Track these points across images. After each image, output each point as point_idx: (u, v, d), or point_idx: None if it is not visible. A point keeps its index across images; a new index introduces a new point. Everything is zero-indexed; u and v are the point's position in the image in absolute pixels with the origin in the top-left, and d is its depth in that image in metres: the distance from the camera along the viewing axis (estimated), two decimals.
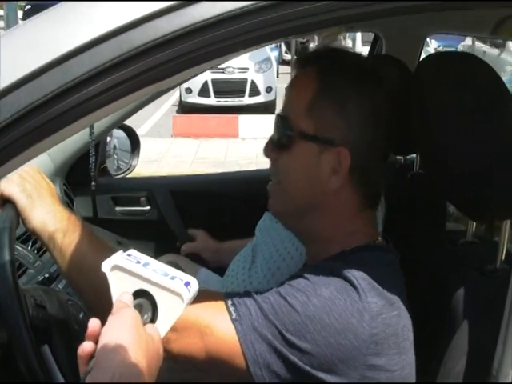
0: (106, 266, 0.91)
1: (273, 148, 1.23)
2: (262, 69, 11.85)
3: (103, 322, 0.85)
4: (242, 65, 11.41)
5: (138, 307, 0.89)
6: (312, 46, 16.50)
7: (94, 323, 0.85)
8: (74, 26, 0.82)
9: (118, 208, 2.66)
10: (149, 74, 0.82)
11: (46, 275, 1.66)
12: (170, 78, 0.85)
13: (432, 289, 1.30)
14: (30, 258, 1.70)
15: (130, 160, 2.87)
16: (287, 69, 14.84)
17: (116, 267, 0.91)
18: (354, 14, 0.85)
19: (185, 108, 11.75)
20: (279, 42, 16.39)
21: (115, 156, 2.99)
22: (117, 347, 0.80)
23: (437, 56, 1.35)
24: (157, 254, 2.25)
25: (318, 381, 1.05)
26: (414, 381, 1.14)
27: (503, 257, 1.21)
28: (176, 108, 12.14)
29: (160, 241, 2.58)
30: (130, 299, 0.89)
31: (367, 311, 1.05)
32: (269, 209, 1.29)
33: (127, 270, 0.91)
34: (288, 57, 17.34)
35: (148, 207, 2.67)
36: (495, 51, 12.20)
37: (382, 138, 1.21)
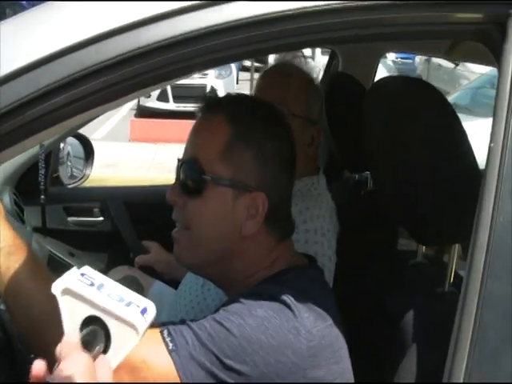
0: (57, 287, 0.83)
1: (180, 193, 1.19)
2: (222, 75, 11.87)
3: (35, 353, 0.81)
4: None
5: (91, 336, 0.82)
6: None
7: (38, 366, 0.79)
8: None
9: (70, 218, 2.61)
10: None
11: None
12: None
13: (379, 310, 1.30)
14: None
15: (83, 168, 2.84)
16: (247, 75, 14.87)
17: (67, 291, 0.83)
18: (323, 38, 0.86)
19: (143, 112, 11.66)
20: None
21: (69, 163, 2.95)
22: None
23: (389, 81, 1.36)
24: (110, 266, 2.22)
25: None
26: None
27: (451, 280, 1.23)
28: (134, 112, 12.04)
29: (113, 252, 2.54)
30: (78, 336, 0.82)
31: (303, 326, 1.05)
32: (176, 257, 1.25)
33: (79, 295, 0.83)
34: (248, 63, 17.39)
35: (101, 218, 2.63)
36: (451, 65, 12.43)
37: (291, 178, 1.23)
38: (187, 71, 0.91)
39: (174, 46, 0.85)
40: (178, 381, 1.04)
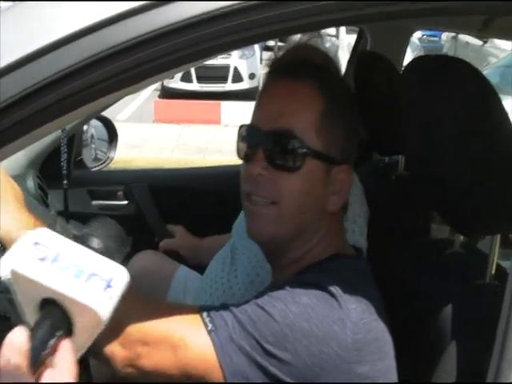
0: (4, 271, 0.71)
1: (266, 166, 1.12)
2: (245, 55, 11.74)
3: None
4: None
5: (47, 320, 0.71)
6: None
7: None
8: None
9: (94, 202, 2.59)
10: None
11: None
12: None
13: (416, 302, 1.25)
14: None
15: (107, 151, 2.80)
16: (270, 55, 14.72)
17: (15, 274, 0.71)
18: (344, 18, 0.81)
19: (167, 93, 11.62)
20: None
21: (92, 146, 2.92)
22: None
23: (427, 59, 1.29)
24: (134, 250, 2.19)
25: None
26: None
27: (493, 271, 1.16)
28: (158, 93, 12.01)
29: (137, 236, 2.51)
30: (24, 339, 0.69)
31: (348, 317, 1.01)
32: (255, 233, 1.18)
33: (27, 278, 0.71)
34: (271, 43, 17.23)
35: (125, 201, 2.61)
36: (478, 42, 12.17)
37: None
38: (207, 54, 0.85)
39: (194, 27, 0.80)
40: (216, 362, 1.00)
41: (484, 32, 2.09)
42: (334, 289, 1.02)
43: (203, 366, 1.02)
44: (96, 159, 2.86)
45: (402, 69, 2.13)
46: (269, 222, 1.14)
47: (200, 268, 2.14)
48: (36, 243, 0.73)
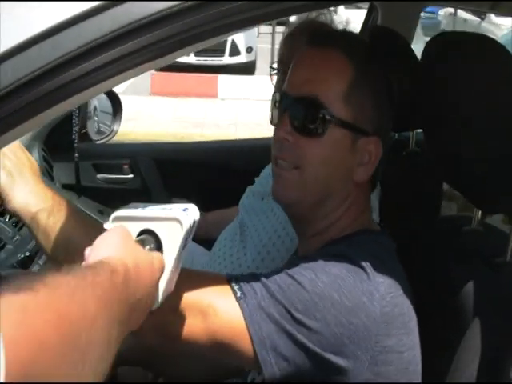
0: (108, 222, 0.92)
1: (291, 131, 1.13)
2: None
3: None
4: None
5: (140, 242, 0.90)
6: None
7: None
8: None
9: (99, 175, 2.57)
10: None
11: (27, 253, 1.58)
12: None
13: (434, 280, 1.25)
14: (8, 233, 1.62)
15: (111, 124, 2.78)
16: (267, 29, 14.60)
17: (116, 218, 0.93)
18: None
19: (163, 66, 11.52)
20: None
21: (95, 118, 2.89)
22: (103, 246, 0.82)
23: (451, 35, 1.28)
24: None
25: (327, 363, 1.00)
26: (420, 361, 1.10)
27: None
28: None
29: None
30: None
31: (377, 290, 1.01)
32: (277, 195, 1.19)
33: (126, 216, 0.93)
34: None
35: (131, 175, 2.59)
36: (476, 19, 12.12)
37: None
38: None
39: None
40: (245, 330, 1.00)
41: (494, 9, 2.07)
42: (363, 261, 1.02)
43: (232, 333, 1.01)
44: (99, 132, 2.84)
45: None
46: (291, 186, 1.15)
47: (206, 243, 2.14)
48: (128, 207, 0.96)
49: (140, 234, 0.92)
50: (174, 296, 1.00)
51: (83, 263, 0.79)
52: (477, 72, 1.12)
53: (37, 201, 1.13)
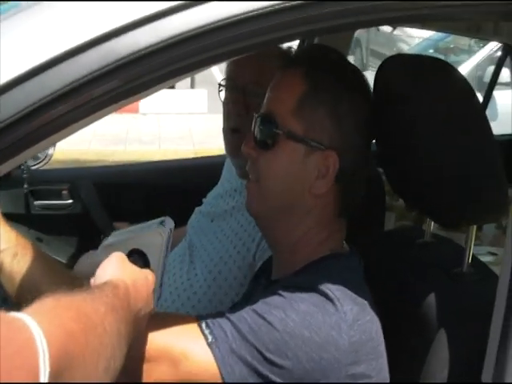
0: (100, 252, 1.06)
1: (254, 146, 1.19)
2: None
3: None
4: None
5: (132, 262, 1.01)
6: None
7: None
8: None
9: (36, 202, 2.49)
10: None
11: None
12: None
13: (397, 295, 1.29)
14: None
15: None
16: None
17: (104, 248, 1.06)
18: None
19: None
20: None
21: None
22: (104, 273, 0.94)
23: (406, 58, 1.33)
24: (81, 250, 2.14)
25: None
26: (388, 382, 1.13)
27: (470, 260, 1.22)
28: None
29: (84, 236, 2.45)
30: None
31: (344, 321, 1.03)
32: (246, 207, 1.27)
33: (112, 243, 1.07)
34: None
35: (70, 200, 2.53)
36: (388, 28, 12.47)
37: (368, 144, 1.21)
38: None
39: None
40: (218, 374, 1.01)
41: (425, 24, 2.17)
42: (331, 292, 1.05)
43: (204, 378, 1.03)
44: (35, 157, 2.75)
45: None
46: (254, 198, 1.23)
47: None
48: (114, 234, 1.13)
49: (128, 254, 1.04)
50: (146, 345, 1.02)
51: None
52: (428, 90, 1.17)
53: (3, 243, 1.10)
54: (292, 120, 1.15)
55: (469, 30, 2.11)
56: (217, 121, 1.80)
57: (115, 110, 0.91)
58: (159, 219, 1.11)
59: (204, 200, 1.98)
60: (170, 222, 1.11)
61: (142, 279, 0.97)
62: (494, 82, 2.54)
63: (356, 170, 1.17)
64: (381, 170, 1.99)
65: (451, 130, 1.14)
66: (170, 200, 2.39)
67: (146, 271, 1.00)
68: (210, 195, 1.96)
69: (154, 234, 1.07)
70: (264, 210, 1.21)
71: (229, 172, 1.90)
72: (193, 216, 1.97)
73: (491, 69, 3.15)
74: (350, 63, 1.25)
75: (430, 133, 1.16)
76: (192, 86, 11.05)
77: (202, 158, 3.00)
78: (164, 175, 2.62)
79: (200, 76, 11.37)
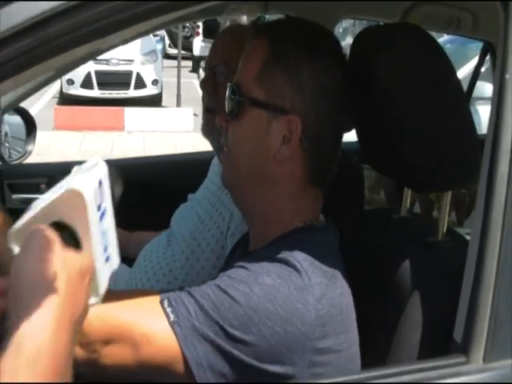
0: (9, 240, 0.78)
1: (225, 117, 1.20)
2: (148, 61, 11.65)
3: None
4: (127, 56, 11.14)
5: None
6: (195, 40, 16.48)
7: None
8: None
9: (14, 196, 2.47)
10: None
11: None
12: None
13: (372, 265, 1.28)
14: None
15: (24, 146, 2.68)
16: (171, 63, 14.66)
17: (16, 233, 0.78)
18: None
19: (66, 100, 11.32)
20: (163, 35, 16.19)
21: (6, 144, 2.79)
22: (29, 264, 0.75)
23: (378, 29, 1.34)
24: None
25: (265, 373, 1.00)
26: (359, 358, 1.12)
27: (445, 229, 1.22)
28: (57, 100, 11.68)
29: None
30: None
31: (311, 294, 1.02)
32: (221, 179, 1.28)
33: (24, 224, 0.78)
34: (171, 51, 17.16)
35: None
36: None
37: (337, 111, 1.18)
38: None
39: None
40: (180, 353, 0.99)
41: (405, 21, 2.19)
42: (299, 264, 1.03)
43: (167, 358, 1.01)
44: (10, 158, 2.74)
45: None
46: (225, 169, 1.25)
47: (127, 261, 2.10)
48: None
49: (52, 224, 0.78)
50: (106, 328, 1.00)
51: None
52: (399, 54, 1.17)
53: None
54: (254, 87, 1.15)
55: (449, 26, 2.14)
56: (202, 139, 1.83)
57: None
58: (84, 166, 0.86)
59: (190, 196, 1.97)
60: (98, 169, 0.85)
61: (76, 276, 0.78)
62: (475, 77, 2.57)
63: (322, 134, 1.15)
64: (364, 166, 2.01)
65: (424, 92, 1.15)
66: (153, 196, 2.37)
67: (78, 260, 0.78)
68: (202, 191, 1.96)
69: (68, 195, 0.78)
70: (234, 179, 1.21)
71: (217, 166, 1.90)
72: (177, 211, 1.97)
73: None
74: (319, 30, 1.22)
75: (402, 96, 1.16)
76: (178, 104, 11.11)
77: (188, 153, 2.98)
78: (148, 171, 2.60)
79: (186, 94, 11.51)
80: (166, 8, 0.87)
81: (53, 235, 0.77)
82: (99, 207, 0.81)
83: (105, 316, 1.00)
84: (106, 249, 0.83)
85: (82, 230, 0.79)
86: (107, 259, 0.84)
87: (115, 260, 0.87)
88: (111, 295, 1.04)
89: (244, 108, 1.15)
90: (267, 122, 1.14)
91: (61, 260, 0.76)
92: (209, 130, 1.75)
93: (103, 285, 0.82)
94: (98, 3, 0.82)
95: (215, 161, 1.93)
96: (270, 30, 1.20)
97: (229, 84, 1.20)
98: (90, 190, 0.79)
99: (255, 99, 1.14)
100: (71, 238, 0.79)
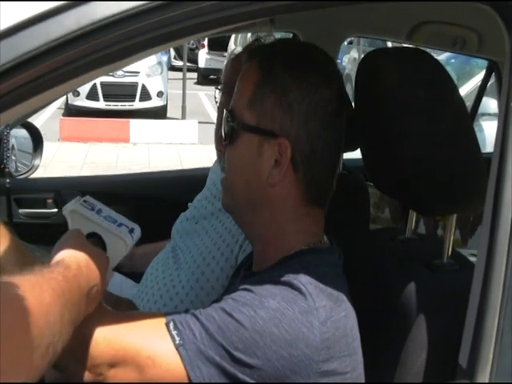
0: (66, 209, 1.11)
1: (222, 142, 1.22)
2: (154, 73, 11.69)
3: None
4: (133, 68, 11.17)
5: (91, 240, 1.04)
6: (201, 52, 16.57)
7: None
8: None
9: (21, 210, 2.49)
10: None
11: None
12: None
13: (377, 286, 1.28)
14: None
15: (31, 160, 2.71)
16: (176, 74, 14.73)
17: (74, 212, 1.11)
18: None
19: (71, 111, 11.37)
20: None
21: (13, 157, 2.81)
22: (59, 250, 0.98)
23: (385, 50, 1.35)
24: None
25: None
26: (363, 380, 1.12)
27: (450, 252, 1.22)
28: (62, 111, 11.73)
29: None
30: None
31: (316, 317, 1.01)
32: (221, 203, 1.28)
33: (83, 215, 1.10)
34: (177, 63, 17.25)
35: (55, 209, 2.52)
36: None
37: (330, 130, 1.17)
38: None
39: None
40: (185, 376, 1.00)
41: (411, 39, 2.21)
42: (304, 286, 1.03)
43: (172, 381, 1.01)
44: (17, 171, 2.76)
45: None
46: (224, 194, 1.26)
47: (133, 276, 2.11)
48: (85, 201, 1.15)
49: (89, 234, 1.08)
50: (112, 350, 1.01)
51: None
52: (412, 81, 1.19)
53: None
54: (246, 112, 1.15)
55: (454, 45, 2.15)
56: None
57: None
58: (131, 224, 1.14)
59: (190, 204, 1.99)
60: (137, 233, 1.15)
61: (97, 258, 1.00)
62: (480, 97, 2.58)
63: (315, 154, 1.14)
64: (369, 183, 2.02)
65: (428, 114, 1.16)
66: (156, 211, 2.39)
67: (103, 252, 1.04)
68: (196, 199, 1.97)
69: (121, 240, 1.10)
70: (232, 204, 1.22)
71: (215, 174, 1.91)
72: (177, 221, 1.97)
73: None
74: (310, 50, 1.21)
75: (405, 118, 1.17)
76: (183, 116, 11.15)
77: (190, 169, 3.00)
78: (152, 186, 2.62)
79: (191, 107, 11.56)
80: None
81: (85, 239, 1.04)
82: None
83: (111, 338, 1.01)
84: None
85: (111, 257, 1.08)
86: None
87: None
88: (117, 317, 1.06)
89: (237, 133, 1.16)
90: (258, 146, 1.14)
91: (86, 247, 1.00)
92: None
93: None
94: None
95: (214, 168, 1.94)
96: (261, 53, 1.20)
97: (225, 110, 1.21)
98: (131, 245, 1.14)
99: (246, 124, 1.15)
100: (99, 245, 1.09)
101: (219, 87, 1.85)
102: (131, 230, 1.13)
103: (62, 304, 0.86)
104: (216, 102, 1.86)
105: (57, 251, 0.98)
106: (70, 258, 0.96)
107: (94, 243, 1.06)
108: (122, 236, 1.10)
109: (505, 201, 0.99)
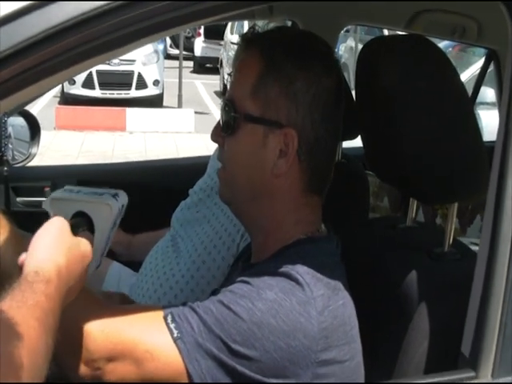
0: (46, 203, 1.09)
1: (220, 133, 1.19)
2: (150, 61, 11.64)
3: None
4: (129, 57, 11.11)
5: (74, 224, 1.01)
6: (197, 40, 16.48)
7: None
8: None
9: (19, 199, 2.48)
10: None
11: None
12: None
13: (377, 275, 1.28)
14: None
15: (28, 148, 2.69)
16: (172, 63, 14.67)
17: (53, 200, 1.09)
18: None
19: (67, 100, 11.32)
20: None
21: (10, 146, 2.79)
22: (39, 247, 0.93)
23: (385, 40, 1.34)
24: None
25: None
26: (362, 369, 1.12)
27: (451, 240, 1.22)
28: (58, 99, 11.68)
29: None
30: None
31: (314, 307, 1.02)
32: (219, 195, 1.26)
33: (62, 198, 1.09)
34: (173, 51, 17.17)
35: None
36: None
37: (331, 119, 1.17)
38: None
39: None
40: (184, 369, 1.00)
41: (410, 28, 2.19)
42: (301, 277, 1.03)
43: (171, 374, 1.02)
44: (14, 159, 2.75)
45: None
46: (223, 185, 1.24)
47: (133, 264, 2.10)
48: (65, 189, 1.13)
49: (74, 215, 1.07)
50: (109, 345, 1.01)
51: (21, 275, 0.90)
52: (412, 72, 1.18)
53: None
54: (249, 102, 1.14)
55: (454, 34, 2.14)
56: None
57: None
58: (114, 191, 1.12)
59: (191, 191, 1.97)
60: (123, 197, 1.12)
61: (77, 255, 0.97)
62: (478, 87, 2.57)
63: (319, 143, 1.15)
64: (368, 172, 2.02)
65: (430, 102, 1.16)
66: (153, 199, 2.38)
67: (83, 242, 1.00)
68: (198, 184, 1.95)
69: (104, 205, 1.08)
70: (232, 195, 1.22)
71: (216, 162, 1.90)
72: (177, 209, 1.96)
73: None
74: (310, 38, 1.21)
75: (407, 105, 1.17)
76: (179, 105, 11.12)
77: (187, 158, 2.99)
78: (148, 175, 2.61)
79: (187, 95, 11.53)
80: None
81: (66, 226, 0.99)
82: (115, 222, 1.11)
83: (109, 332, 1.02)
84: (102, 249, 1.11)
85: (98, 230, 1.08)
86: (99, 257, 1.11)
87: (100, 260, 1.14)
88: (114, 311, 1.07)
89: (239, 124, 1.14)
90: (263, 137, 1.13)
91: (67, 243, 0.96)
92: None
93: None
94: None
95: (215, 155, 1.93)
96: (262, 42, 1.18)
97: (223, 100, 1.20)
98: (116, 209, 1.09)
99: (250, 115, 1.14)
100: (88, 230, 1.07)
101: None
102: (115, 195, 1.10)
103: (47, 331, 0.84)
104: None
105: (34, 250, 0.93)
106: (50, 264, 0.91)
107: (80, 223, 1.04)
108: (104, 201, 1.08)
109: (508, 189, 0.99)
